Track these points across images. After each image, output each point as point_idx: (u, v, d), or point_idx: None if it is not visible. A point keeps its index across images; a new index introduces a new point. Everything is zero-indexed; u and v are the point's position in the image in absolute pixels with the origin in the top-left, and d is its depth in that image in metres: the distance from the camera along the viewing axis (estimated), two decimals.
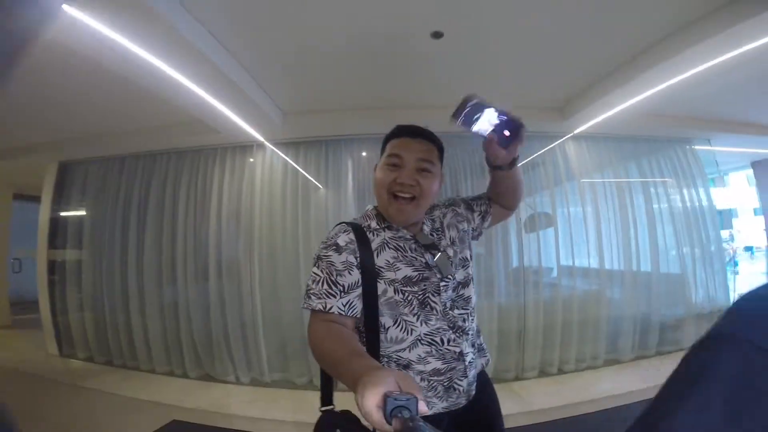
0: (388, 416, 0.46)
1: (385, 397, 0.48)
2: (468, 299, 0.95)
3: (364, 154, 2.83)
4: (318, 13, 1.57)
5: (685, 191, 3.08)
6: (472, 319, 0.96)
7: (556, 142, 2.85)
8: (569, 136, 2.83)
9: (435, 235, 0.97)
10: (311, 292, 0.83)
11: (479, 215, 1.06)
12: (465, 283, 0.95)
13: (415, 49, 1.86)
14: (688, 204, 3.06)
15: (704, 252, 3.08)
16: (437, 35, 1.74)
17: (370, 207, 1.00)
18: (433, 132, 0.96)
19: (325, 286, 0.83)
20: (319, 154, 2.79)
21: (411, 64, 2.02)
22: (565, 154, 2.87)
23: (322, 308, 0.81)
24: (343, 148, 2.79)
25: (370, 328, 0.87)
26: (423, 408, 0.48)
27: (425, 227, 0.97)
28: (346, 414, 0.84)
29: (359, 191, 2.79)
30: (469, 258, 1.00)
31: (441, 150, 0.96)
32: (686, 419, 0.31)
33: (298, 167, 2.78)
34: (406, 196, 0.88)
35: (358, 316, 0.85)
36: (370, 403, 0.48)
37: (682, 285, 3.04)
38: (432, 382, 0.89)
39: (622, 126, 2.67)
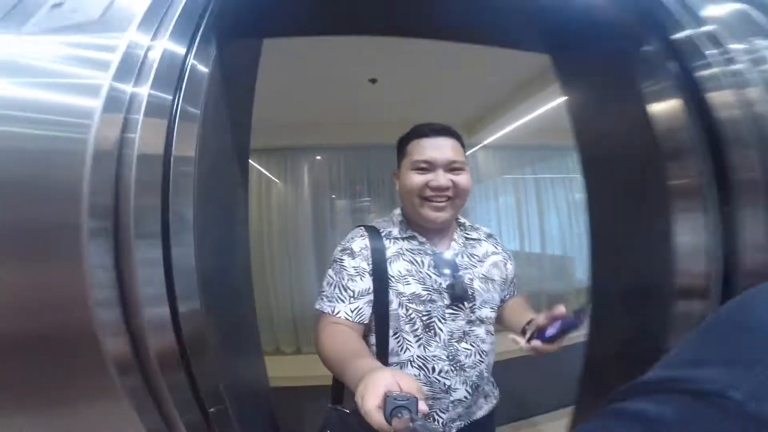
0: (388, 416, 0.46)
1: (385, 398, 0.48)
2: (480, 338, 0.89)
3: (318, 157, 3.45)
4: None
5: (570, 188, 3.93)
6: (481, 361, 0.88)
7: (469, 152, 3.63)
8: (479, 146, 3.61)
9: (464, 257, 0.91)
10: (323, 293, 0.85)
11: (503, 298, 0.98)
12: (482, 322, 0.89)
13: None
14: (572, 198, 3.92)
15: (583, 237, 3.95)
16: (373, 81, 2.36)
17: (396, 211, 0.96)
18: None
19: (336, 290, 0.83)
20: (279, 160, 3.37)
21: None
22: (475, 161, 3.66)
23: (330, 312, 0.82)
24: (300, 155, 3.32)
25: (380, 335, 0.85)
26: (423, 408, 0.48)
27: (455, 243, 0.92)
28: (350, 415, 0.79)
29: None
30: (497, 304, 0.93)
31: (462, 141, 0.90)
32: None
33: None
34: (442, 200, 0.84)
35: (366, 322, 0.84)
36: (370, 404, 0.48)
37: (566, 263, 3.91)
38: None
39: (521, 137, 3.46)
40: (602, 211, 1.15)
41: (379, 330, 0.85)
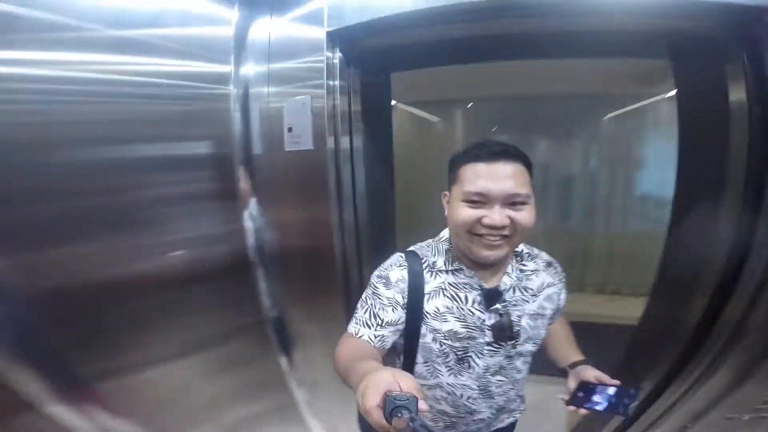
0: (388, 416, 0.46)
1: (386, 397, 0.48)
2: (516, 369, 0.85)
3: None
4: None
5: None
6: (511, 388, 0.86)
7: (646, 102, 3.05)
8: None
9: (516, 292, 0.82)
10: (356, 314, 0.82)
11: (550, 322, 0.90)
12: (521, 355, 0.84)
13: None
14: None
15: None
16: None
17: (444, 235, 0.86)
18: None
19: (366, 315, 0.81)
20: None
21: None
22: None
23: (353, 333, 0.80)
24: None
25: (407, 359, 0.86)
26: (423, 407, 0.48)
27: (507, 278, 0.82)
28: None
29: None
30: (543, 335, 0.87)
31: (530, 166, 0.76)
32: None
33: None
34: (497, 238, 0.73)
35: (387, 348, 0.81)
36: (370, 403, 0.48)
37: None
38: (436, 417, 0.89)
39: None
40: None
41: (407, 356, 0.85)
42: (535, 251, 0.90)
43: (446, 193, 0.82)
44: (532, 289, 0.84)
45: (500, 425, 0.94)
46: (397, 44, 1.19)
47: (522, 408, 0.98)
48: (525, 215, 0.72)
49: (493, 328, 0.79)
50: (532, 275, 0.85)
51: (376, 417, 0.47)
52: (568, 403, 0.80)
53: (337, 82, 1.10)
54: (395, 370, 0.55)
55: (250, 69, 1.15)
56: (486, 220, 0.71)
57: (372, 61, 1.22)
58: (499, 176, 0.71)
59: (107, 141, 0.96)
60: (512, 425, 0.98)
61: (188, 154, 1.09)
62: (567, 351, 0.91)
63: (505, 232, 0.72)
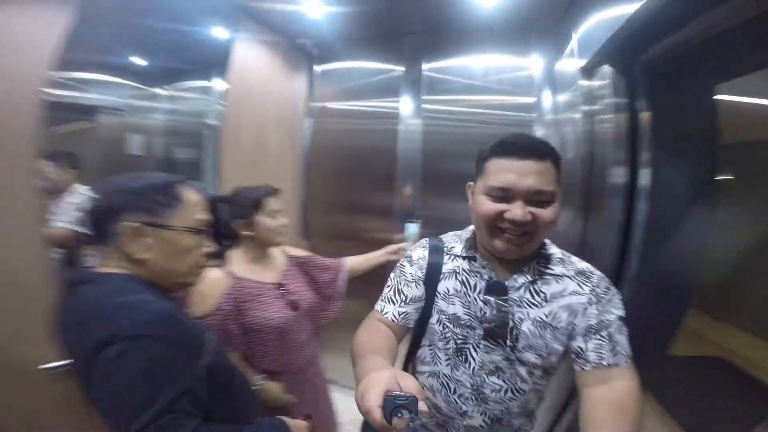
0: (388, 416, 0.46)
1: (386, 397, 0.48)
2: (519, 377, 0.78)
3: None
4: None
5: None
6: (513, 399, 0.79)
7: None
8: None
9: (525, 292, 0.77)
10: (383, 293, 0.88)
11: (577, 349, 0.75)
12: (523, 363, 0.77)
13: None
14: None
15: None
16: None
17: (471, 227, 0.87)
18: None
19: (391, 292, 0.86)
20: None
21: None
22: None
23: (379, 310, 0.86)
24: None
25: (412, 341, 0.89)
26: (423, 408, 0.47)
27: (521, 275, 0.78)
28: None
29: None
30: (555, 353, 0.77)
31: (558, 163, 0.73)
32: None
33: None
34: (518, 234, 0.71)
35: (410, 326, 0.85)
36: (370, 402, 0.47)
37: None
38: (430, 410, 0.87)
39: None
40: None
41: (413, 337, 0.88)
42: (573, 258, 0.83)
43: (471, 184, 0.82)
44: (544, 294, 0.77)
45: None
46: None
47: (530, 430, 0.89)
48: (547, 213, 0.70)
49: (486, 321, 0.78)
50: (552, 280, 0.78)
51: (376, 417, 0.47)
52: None
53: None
54: (395, 369, 0.55)
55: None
56: (508, 215, 0.70)
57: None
58: (524, 172, 0.69)
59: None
60: None
61: None
62: None
63: (527, 229, 0.71)
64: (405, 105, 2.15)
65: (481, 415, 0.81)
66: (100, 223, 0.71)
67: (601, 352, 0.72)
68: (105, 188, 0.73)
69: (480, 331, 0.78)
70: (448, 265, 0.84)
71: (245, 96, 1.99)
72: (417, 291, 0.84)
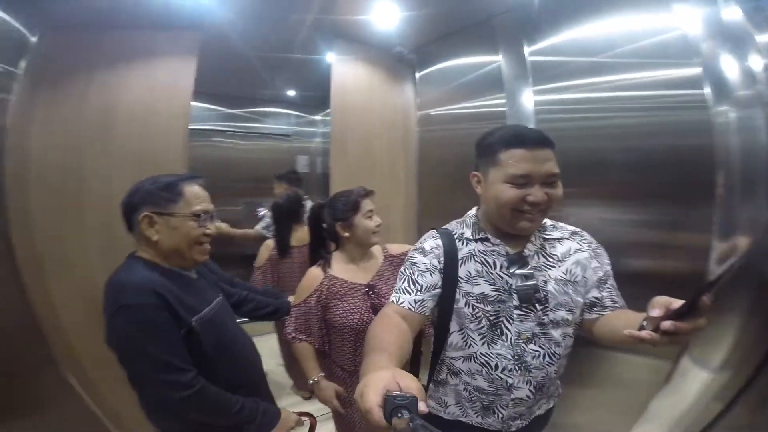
0: (388, 416, 0.46)
1: (386, 397, 0.47)
2: (553, 341, 0.85)
3: None
4: None
5: None
6: (551, 363, 0.86)
7: None
8: None
9: (540, 258, 0.87)
10: (396, 287, 0.90)
11: (594, 299, 0.87)
12: (557, 324, 0.85)
13: None
14: None
15: None
16: None
17: (471, 212, 0.96)
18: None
19: (405, 283, 0.88)
20: None
21: None
22: None
23: (394, 301, 0.86)
24: None
25: (439, 332, 0.90)
26: (422, 408, 0.47)
27: (530, 245, 0.88)
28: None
29: None
30: (578, 306, 0.87)
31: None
32: None
33: None
34: (536, 212, 0.81)
35: (427, 314, 0.87)
36: (369, 402, 0.47)
37: None
38: (473, 395, 0.89)
39: None
40: None
41: (439, 324, 0.90)
42: (560, 224, 0.95)
43: (476, 173, 0.89)
44: (556, 255, 0.88)
45: (539, 412, 0.92)
46: None
47: (559, 392, 0.97)
48: (559, 191, 0.82)
49: (519, 289, 0.83)
50: (555, 243, 0.90)
51: (376, 416, 0.46)
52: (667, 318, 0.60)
53: None
54: (395, 369, 0.55)
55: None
56: (530, 198, 0.79)
57: None
58: (540, 160, 0.79)
59: None
60: (550, 413, 0.97)
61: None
62: (630, 319, 0.75)
63: (543, 207, 0.80)
64: (511, 100, 1.75)
65: (526, 384, 0.85)
66: (128, 216, 0.96)
67: (613, 298, 0.87)
68: (130, 190, 0.97)
69: (511, 303, 0.84)
70: (462, 250, 0.89)
71: (348, 111, 2.13)
72: (432, 279, 0.87)
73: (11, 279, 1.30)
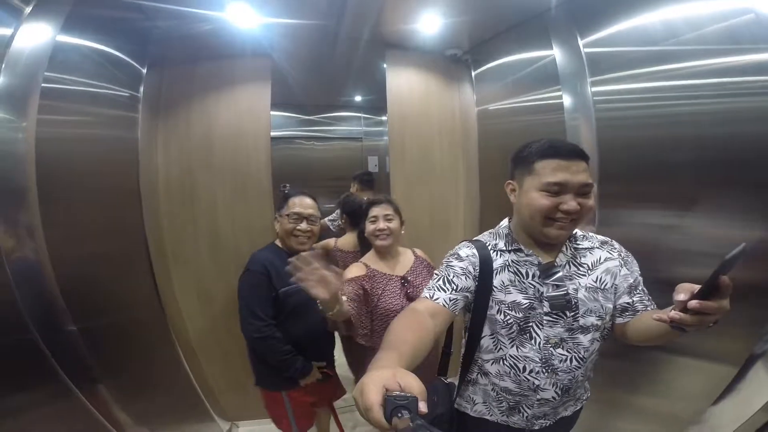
0: (388, 416, 0.45)
1: (386, 397, 0.47)
2: (582, 346, 0.88)
3: None
4: None
5: None
6: (578, 367, 0.89)
7: None
8: None
9: (571, 267, 0.90)
10: (430, 285, 0.92)
11: (625, 305, 0.91)
12: (586, 330, 0.88)
13: None
14: None
15: None
16: None
17: (504, 223, 0.98)
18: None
19: (440, 282, 0.90)
20: None
21: None
22: None
23: (428, 296, 0.88)
24: None
25: (472, 335, 0.93)
26: (423, 408, 0.46)
27: (561, 255, 0.91)
28: (447, 385, 1.07)
29: None
30: (608, 312, 0.90)
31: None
32: None
33: None
34: (567, 221, 0.83)
35: (457, 313, 0.90)
36: (369, 401, 0.46)
37: None
38: (500, 396, 0.93)
39: None
40: None
41: (472, 331, 0.94)
42: (590, 234, 0.98)
43: (511, 182, 0.93)
44: (586, 265, 0.91)
45: (565, 413, 0.96)
46: None
47: (587, 396, 1.00)
48: (590, 201, 0.84)
49: (550, 298, 0.87)
50: (586, 252, 0.93)
51: (376, 415, 0.46)
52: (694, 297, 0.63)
53: None
54: (396, 368, 0.54)
55: None
56: (564, 207, 0.82)
57: None
58: (574, 170, 0.82)
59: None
60: (576, 414, 0.99)
61: None
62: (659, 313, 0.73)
63: (574, 216, 0.83)
64: (568, 92, 1.72)
65: (552, 386, 0.89)
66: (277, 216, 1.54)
67: (644, 302, 0.91)
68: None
69: (541, 310, 0.87)
70: (497, 261, 0.92)
71: (405, 117, 2.24)
72: (467, 282, 0.90)
73: (147, 273, 1.67)
